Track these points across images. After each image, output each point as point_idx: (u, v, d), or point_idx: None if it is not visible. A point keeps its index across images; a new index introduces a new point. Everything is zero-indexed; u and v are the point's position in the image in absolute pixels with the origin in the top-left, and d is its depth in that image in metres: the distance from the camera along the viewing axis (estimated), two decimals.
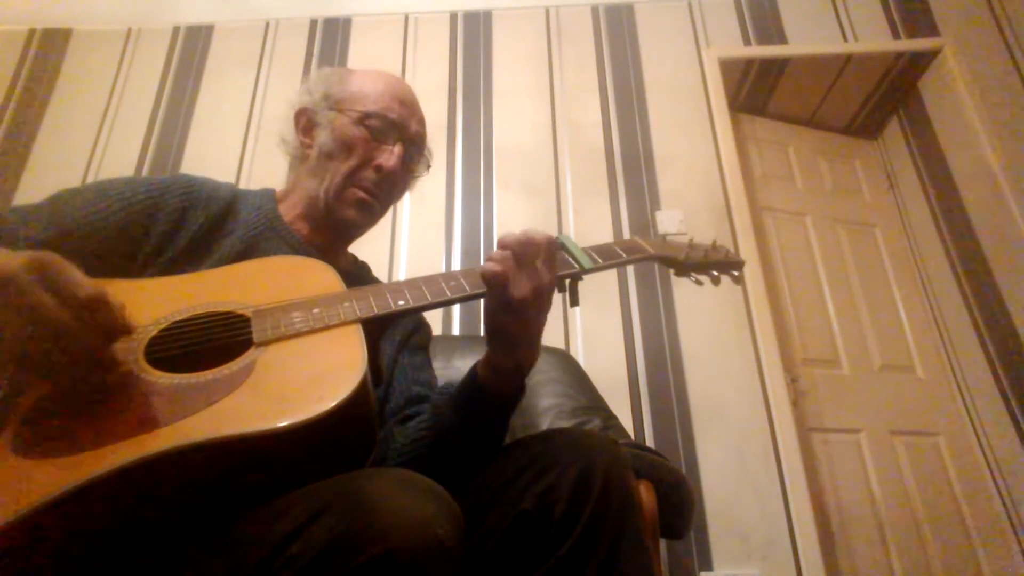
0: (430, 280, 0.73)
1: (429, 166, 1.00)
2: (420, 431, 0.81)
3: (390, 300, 0.69)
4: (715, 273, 0.89)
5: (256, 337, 0.63)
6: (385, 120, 0.90)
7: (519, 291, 0.68)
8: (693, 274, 0.88)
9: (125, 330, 0.56)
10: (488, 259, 0.70)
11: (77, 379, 0.54)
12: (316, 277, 0.74)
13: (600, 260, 0.80)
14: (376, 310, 0.68)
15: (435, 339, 1.07)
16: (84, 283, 0.53)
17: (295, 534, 0.49)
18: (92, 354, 0.54)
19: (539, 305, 0.70)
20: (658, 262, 0.88)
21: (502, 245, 0.70)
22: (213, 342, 0.64)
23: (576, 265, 0.77)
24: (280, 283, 0.72)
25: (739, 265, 0.91)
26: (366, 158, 0.89)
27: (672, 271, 0.89)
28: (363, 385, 0.59)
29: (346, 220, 0.89)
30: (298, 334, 0.63)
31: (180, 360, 0.60)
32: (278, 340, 0.63)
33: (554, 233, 0.74)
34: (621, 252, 0.82)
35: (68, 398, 0.54)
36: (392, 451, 0.83)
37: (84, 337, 0.53)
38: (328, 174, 0.89)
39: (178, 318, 0.66)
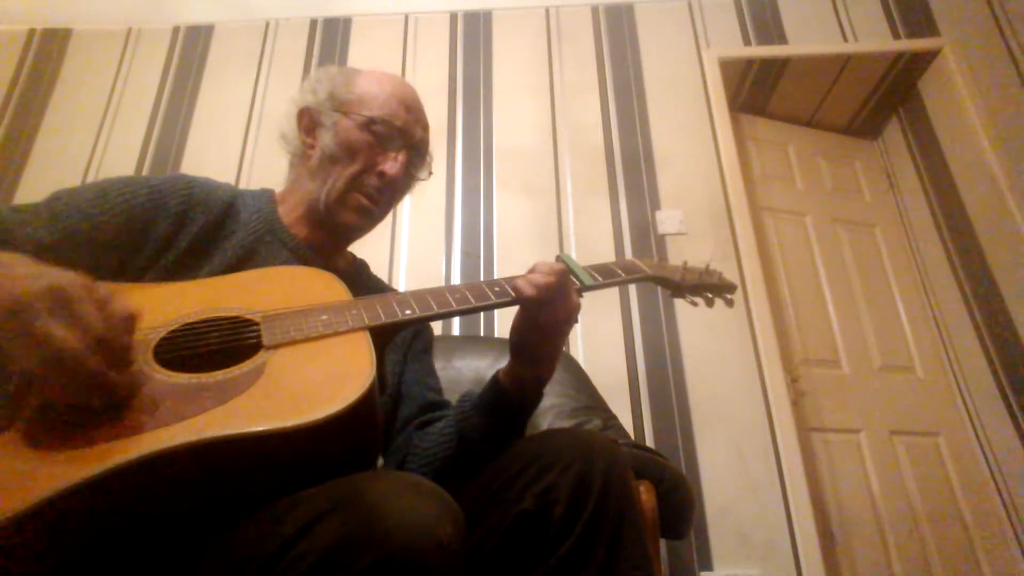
0: (435, 292, 0.75)
1: (431, 172, 0.99)
2: (445, 433, 0.83)
3: (397, 309, 0.71)
4: (709, 295, 0.93)
5: (266, 340, 0.64)
6: (391, 126, 0.89)
7: (554, 314, 0.74)
8: (688, 295, 0.92)
9: (130, 361, 0.56)
10: (528, 281, 0.74)
11: (82, 399, 0.53)
12: (324, 287, 0.75)
13: (600, 279, 0.83)
14: (384, 318, 0.69)
15: (435, 339, 1.07)
16: (99, 317, 0.53)
17: (298, 536, 0.49)
18: (98, 382, 0.53)
19: (567, 328, 0.77)
20: (655, 283, 0.91)
21: (543, 272, 0.75)
22: (223, 344, 0.64)
23: (577, 283, 0.80)
24: (288, 291, 0.73)
25: (732, 289, 0.94)
26: (369, 164, 0.88)
27: (668, 292, 0.93)
28: (372, 388, 0.60)
29: (346, 225, 0.89)
30: (307, 339, 0.64)
31: (189, 361, 0.61)
32: (288, 344, 0.63)
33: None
34: (620, 272, 0.86)
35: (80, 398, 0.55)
36: (413, 455, 0.84)
37: (92, 368, 0.52)
38: (330, 178, 0.88)
39: (188, 320, 0.66)
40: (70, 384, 0.51)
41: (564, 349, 1.93)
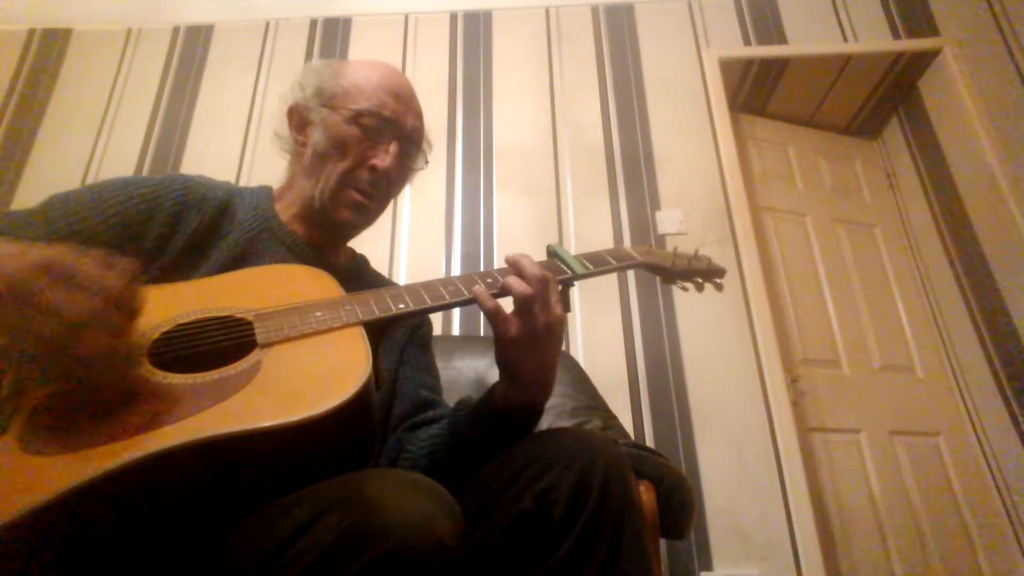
0: (429, 285, 0.75)
1: (427, 161, 0.97)
2: (437, 440, 0.82)
3: (390, 303, 0.71)
4: (699, 280, 0.92)
5: (260, 339, 0.63)
6: (379, 118, 0.87)
7: (532, 325, 0.71)
8: (679, 281, 0.91)
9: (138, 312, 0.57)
10: (492, 296, 0.72)
11: (100, 374, 0.53)
12: (316, 284, 0.75)
13: (592, 267, 0.82)
14: (377, 313, 0.69)
15: (435, 339, 1.07)
16: (99, 275, 0.53)
17: (298, 533, 0.49)
18: (118, 339, 0.53)
19: (550, 343, 0.72)
20: (646, 269, 0.90)
21: (520, 275, 0.72)
22: (217, 344, 0.64)
23: (569, 271, 0.80)
24: (280, 289, 0.73)
25: (721, 273, 0.94)
26: (360, 158, 0.87)
27: (660, 278, 0.92)
28: (368, 383, 0.60)
29: (342, 221, 0.88)
30: (302, 336, 0.64)
31: (184, 362, 0.60)
32: (282, 342, 0.63)
33: (550, 239, 0.76)
34: (611, 259, 0.85)
35: (78, 395, 0.55)
36: (404, 458, 0.83)
37: (110, 325, 0.52)
38: (323, 175, 0.86)
39: (181, 321, 0.66)
40: (87, 353, 0.51)
41: (564, 348, 1.94)
